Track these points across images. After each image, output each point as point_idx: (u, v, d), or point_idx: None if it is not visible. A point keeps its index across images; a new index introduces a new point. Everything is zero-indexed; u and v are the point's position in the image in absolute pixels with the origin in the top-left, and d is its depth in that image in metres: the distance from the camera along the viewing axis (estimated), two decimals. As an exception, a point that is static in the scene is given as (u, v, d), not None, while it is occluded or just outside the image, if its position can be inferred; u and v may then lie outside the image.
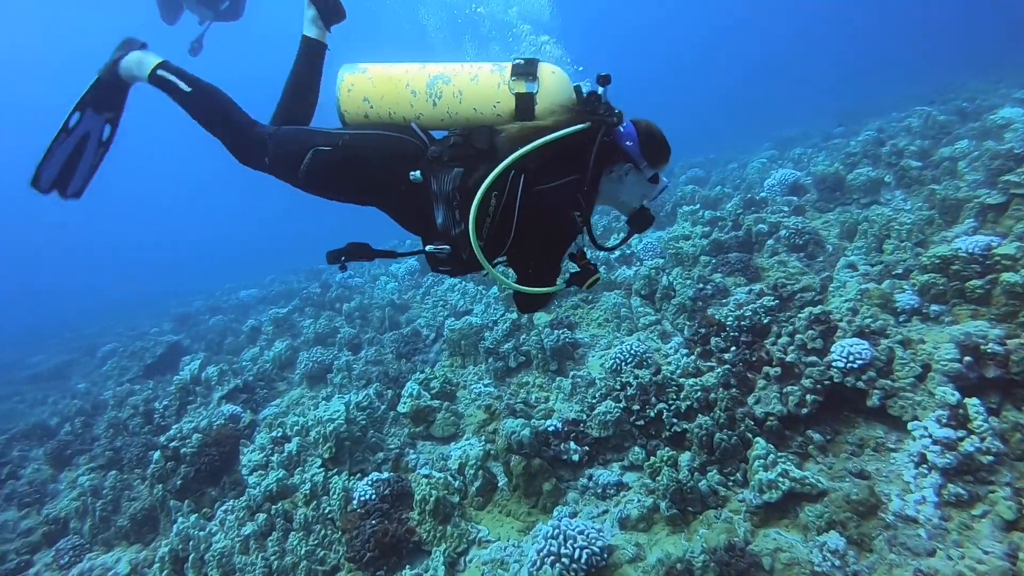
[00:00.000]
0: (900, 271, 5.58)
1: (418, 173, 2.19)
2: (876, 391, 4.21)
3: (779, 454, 4.17)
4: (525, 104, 2.15)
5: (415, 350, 7.61)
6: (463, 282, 8.43)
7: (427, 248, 2.26)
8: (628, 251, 8.39)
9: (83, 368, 12.88)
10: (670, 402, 4.86)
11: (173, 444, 5.95)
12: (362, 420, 5.85)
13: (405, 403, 6.09)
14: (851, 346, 4.38)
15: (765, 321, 5.12)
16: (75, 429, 7.96)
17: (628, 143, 2.20)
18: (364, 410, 6.01)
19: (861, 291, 5.33)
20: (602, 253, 7.54)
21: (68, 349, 15.45)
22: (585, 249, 2.35)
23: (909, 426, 3.94)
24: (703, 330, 5.49)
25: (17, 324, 24.43)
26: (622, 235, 2.79)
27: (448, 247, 2.21)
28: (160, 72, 2.48)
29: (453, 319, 7.46)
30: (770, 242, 7.23)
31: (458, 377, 6.77)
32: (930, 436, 3.73)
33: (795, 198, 8.39)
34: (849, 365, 4.31)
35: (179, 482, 5.77)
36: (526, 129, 2.11)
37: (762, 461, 4.09)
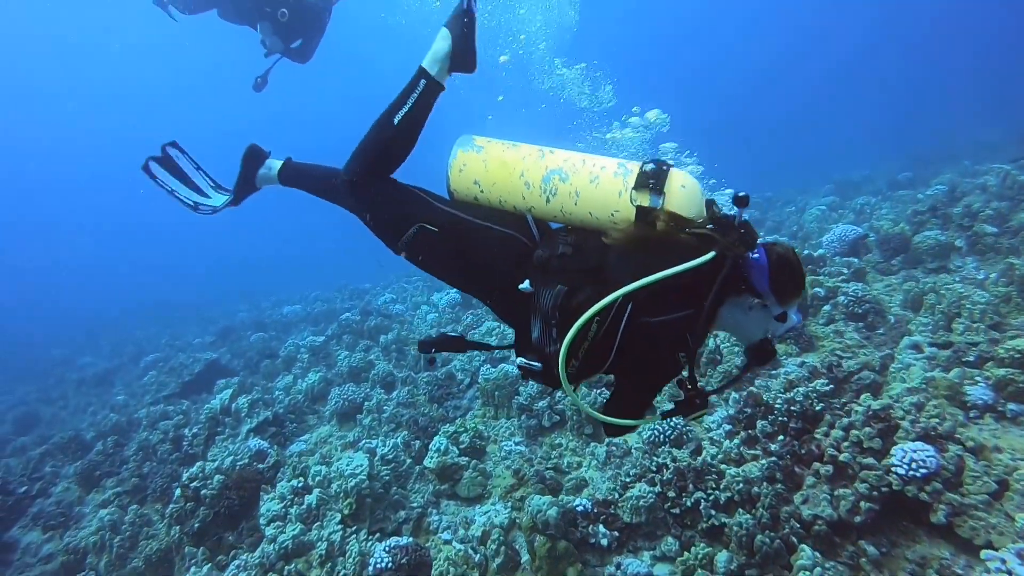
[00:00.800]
0: (972, 358, 5.11)
1: (527, 283, 2.01)
2: (942, 506, 3.79)
3: (827, 565, 3.79)
4: (647, 218, 1.90)
5: (448, 394, 7.40)
6: (501, 327, 8.19)
7: (518, 360, 2.08)
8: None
9: (126, 376, 13.08)
10: (709, 491, 4.51)
11: (194, 485, 5.85)
12: (386, 475, 5.64)
13: (432, 458, 5.87)
14: (914, 451, 3.96)
15: (817, 408, 4.73)
16: (107, 448, 7.98)
17: (756, 275, 1.92)
18: (389, 464, 5.81)
19: (926, 379, 4.91)
20: None
21: (116, 353, 15.77)
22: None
23: (982, 554, 3.51)
24: (749, 410, 5.12)
25: (74, 320, 25.26)
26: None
27: (540, 364, 2.02)
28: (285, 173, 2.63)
29: (489, 366, 7.23)
30: (827, 308, 6.79)
31: (489, 430, 6.52)
32: (1009, 572, 3.31)
33: (856, 260, 7.90)
34: (911, 473, 3.90)
35: (197, 525, 5.65)
36: (640, 243, 1.89)
37: (808, 573, 3.72)
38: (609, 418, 2.03)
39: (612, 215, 1.96)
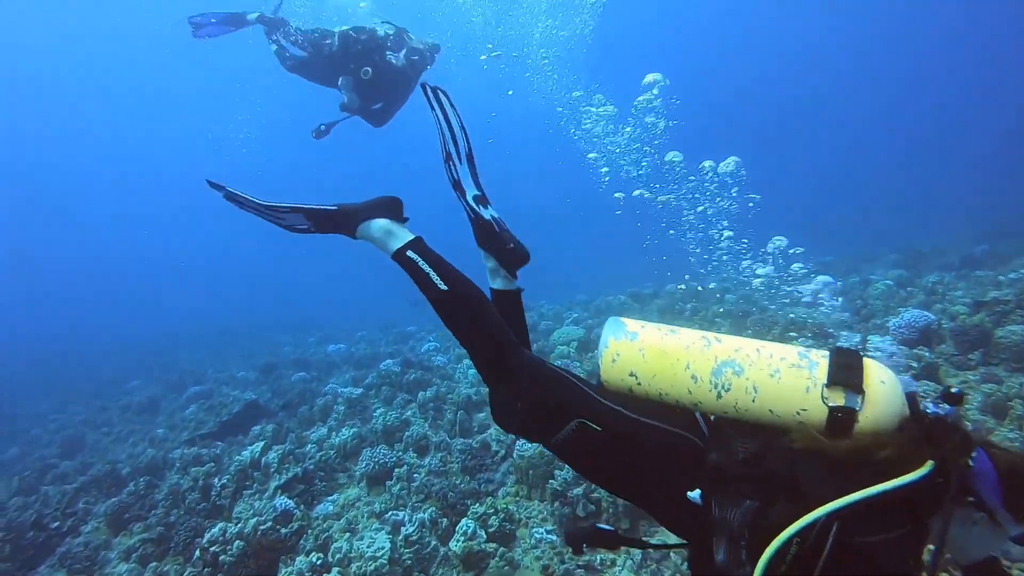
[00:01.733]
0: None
1: (697, 494, 1.76)
2: None
3: None
4: (841, 420, 1.63)
5: (482, 466, 7.11)
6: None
7: None
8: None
9: (169, 406, 13.24)
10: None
11: (213, 549, 5.68)
12: (408, 559, 5.39)
13: (458, 541, 5.58)
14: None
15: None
16: (138, 489, 7.94)
17: (983, 486, 1.58)
18: (412, 546, 5.53)
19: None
20: None
21: (163, 380, 16.04)
22: None
23: None
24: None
25: (130, 334, 26.06)
26: None
27: None
28: (410, 253, 2.21)
29: (525, 441, 6.92)
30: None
31: (521, 512, 6.21)
32: None
33: (927, 352, 7.33)
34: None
35: (213, 592, 5.47)
36: (837, 448, 1.61)
37: None
38: None
39: (798, 414, 1.70)
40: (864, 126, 49.19)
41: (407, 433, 8.00)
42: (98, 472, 8.94)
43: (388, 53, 7.34)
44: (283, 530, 6.22)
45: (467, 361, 11.01)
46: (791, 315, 9.68)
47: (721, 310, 11.59)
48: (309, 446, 8.19)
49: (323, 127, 8.08)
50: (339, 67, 7.52)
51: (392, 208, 2.33)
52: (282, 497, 6.90)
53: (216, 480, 7.57)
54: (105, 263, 56.32)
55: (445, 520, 6.09)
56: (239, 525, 6.06)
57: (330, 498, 7.19)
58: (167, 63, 42.27)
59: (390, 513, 6.36)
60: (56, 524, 7.70)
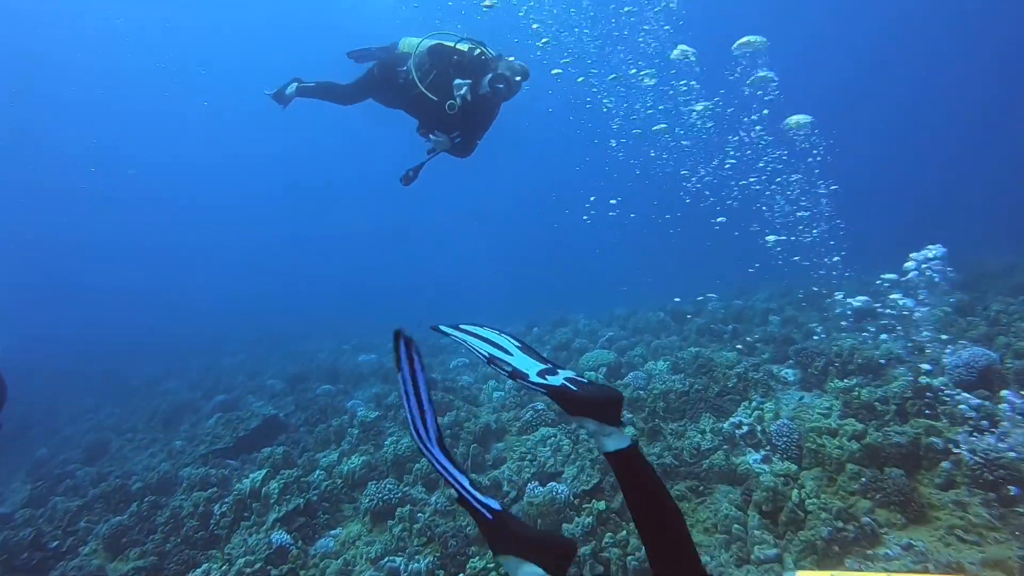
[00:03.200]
0: None
1: None
2: None
3: None
4: None
5: (489, 507, 6.65)
6: (558, 436, 7.34)
7: None
8: (758, 428, 7.00)
9: (194, 415, 13.15)
10: None
11: (194, 594, 5.38)
12: (395, 619, 4.97)
13: (451, 601, 5.15)
14: None
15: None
16: (141, 511, 7.75)
17: None
18: (402, 604, 5.13)
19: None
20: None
21: (197, 385, 16.07)
22: None
23: None
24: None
25: (178, 336, 26.51)
26: None
27: None
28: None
29: (537, 484, 6.45)
30: (945, 465, 5.62)
31: (525, 565, 5.72)
32: None
33: (988, 400, 6.55)
34: None
35: (190, 641, 5.16)
36: None
37: None
38: None
39: None
40: (923, 122, 46.01)
41: (418, 465, 7.59)
42: (108, 487, 8.81)
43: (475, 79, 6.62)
44: (273, 572, 5.90)
45: (492, 382, 10.58)
46: (835, 346, 8.97)
47: (762, 334, 10.90)
48: (317, 472, 7.86)
49: (411, 172, 7.46)
50: (416, 96, 6.78)
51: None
52: (280, 532, 6.59)
53: (216, 507, 7.31)
54: (169, 260, 57.58)
55: (442, 572, 5.66)
56: (223, 567, 5.75)
57: (332, 532, 6.85)
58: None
59: (387, 559, 5.96)
60: (55, 544, 7.56)
